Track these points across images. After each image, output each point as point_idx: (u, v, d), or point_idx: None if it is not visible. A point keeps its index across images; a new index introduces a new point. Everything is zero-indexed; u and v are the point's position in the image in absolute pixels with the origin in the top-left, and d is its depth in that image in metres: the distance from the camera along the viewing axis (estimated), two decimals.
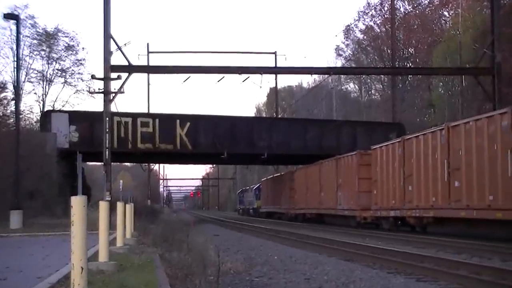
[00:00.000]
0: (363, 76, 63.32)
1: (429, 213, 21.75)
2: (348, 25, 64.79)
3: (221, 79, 31.73)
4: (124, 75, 28.77)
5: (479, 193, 18.30)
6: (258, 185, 64.29)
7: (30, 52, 47.06)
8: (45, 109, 45.61)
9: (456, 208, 19.58)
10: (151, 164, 64.81)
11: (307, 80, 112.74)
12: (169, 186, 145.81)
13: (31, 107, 69.23)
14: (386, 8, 58.07)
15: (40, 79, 48.43)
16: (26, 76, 46.53)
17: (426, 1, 55.01)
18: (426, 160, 21.85)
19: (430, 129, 22.96)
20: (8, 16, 30.74)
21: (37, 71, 48.12)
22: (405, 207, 23.61)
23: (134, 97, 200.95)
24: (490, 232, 19.30)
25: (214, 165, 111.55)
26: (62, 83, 49.68)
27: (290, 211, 43.62)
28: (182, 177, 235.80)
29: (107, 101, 28.02)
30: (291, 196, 43.18)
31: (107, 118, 28.11)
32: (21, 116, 33.21)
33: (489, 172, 17.76)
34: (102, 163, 29.20)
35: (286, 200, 45.13)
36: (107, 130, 28.10)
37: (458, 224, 20.86)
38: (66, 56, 49.21)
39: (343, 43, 65.53)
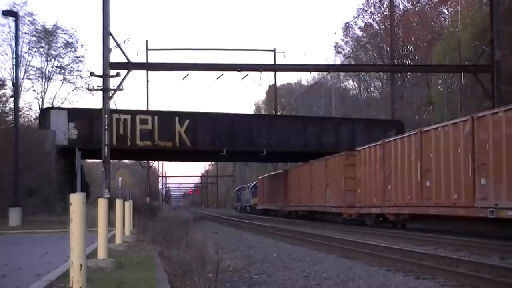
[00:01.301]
0: (362, 74, 63.30)
1: (405, 210, 23.74)
2: (347, 23, 64.94)
3: (220, 76, 31.69)
4: (123, 72, 28.72)
5: (446, 192, 20.22)
6: (255, 183, 65.25)
7: (29, 49, 47.01)
8: (44, 106, 45.58)
9: (427, 206, 21.54)
10: (150, 161, 64.77)
11: (306, 78, 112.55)
12: (168, 184, 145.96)
13: (30, 104, 68.89)
14: (385, 6, 58.08)
15: (39, 76, 48.40)
16: (25, 73, 46.49)
17: None
18: (402, 161, 23.75)
19: (406, 133, 24.82)
20: (7, 13, 30.67)
21: (36, 68, 48.09)
22: (385, 204, 25.41)
23: (133, 94, 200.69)
24: (455, 228, 21.31)
25: (213, 163, 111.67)
26: (61, 80, 49.65)
27: (284, 209, 45.10)
28: (181, 174, 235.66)
29: (106, 98, 27.98)
30: (285, 194, 44.74)
31: (106, 115, 28.06)
32: (20, 113, 33.19)
33: (454, 174, 19.66)
34: (101, 160, 29.18)
35: (280, 198, 46.53)
36: (106, 127, 28.06)
37: (430, 220, 22.90)
38: (65, 53, 49.18)
39: (342, 40, 65.48)
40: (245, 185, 77.54)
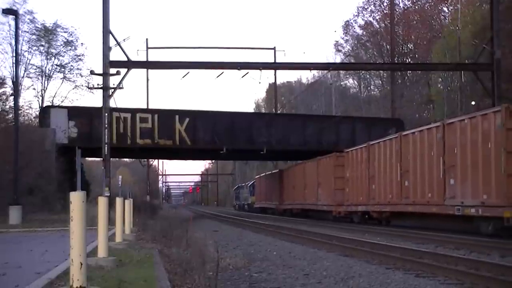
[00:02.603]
0: (362, 72, 63.28)
1: (387, 208, 25.55)
2: (347, 21, 64.82)
3: (220, 74, 31.68)
4: (123, 70, 28.69)
5: (421, 192, 22.08)
6: (253, 182, 66.54)
7: (29, 47, 46.95)
8: (44, 105, 45.55)
9: (405, 204, 23.44)
10: (150, 159, 64.81)
11: (306, 76, 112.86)
12: (168, 182, 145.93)
13: (30, 102, 68.75)
14: (385, 4, 58.08)
15: (39, 74, 48.34)
16: (25, 71, 46.43)
17: None
18: (385, 163, 25.60)
19: (388, 136, 26.51)
20: (7, 11, 30.57)
21: (36, 66, 48.03)
22: (369, 203, 27.34)
23: (133, 93, 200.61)
24: (430, 224, 22.68)
25: (213, 161, 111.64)
26: (61, 78, 49.59)
27: (280, 207, 47.10)
28: (181, 172, 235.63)
29: (106, 97, 27.96)
30: (280, 193, 46.80)
31: (106, 114, 28.04)
32: (20, 112, 33.14)
33: (428, 174, 21.50)
34: (101, 158, 29.18)
35: (276, 197, 48.53)
36: (106, 125, 28.04)
37: (410, 217, 24.26)
38: (65, 52, 49.11)
39: (342, 38, 65.54)
40: (243, 184, 78.87)
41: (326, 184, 33.56)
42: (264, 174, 59.84)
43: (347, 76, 70.12)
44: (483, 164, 17.96)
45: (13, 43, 38.48)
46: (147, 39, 71.20)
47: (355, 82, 70.73)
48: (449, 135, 20.08)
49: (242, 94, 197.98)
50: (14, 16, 29.74)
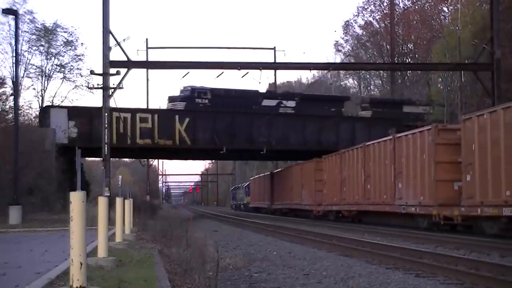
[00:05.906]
0: (362, 72, 63.29)
1: (354, 207, 29.49)
2: (347, 21, 64.83)
3: (220, 74, 31.80)
4: (123, 70, 28.69)
5: (379, 193, 26.03)
6: (248, 183, 68.81)
7: (29, 47, 46.72)
8: (44, 105, 45.45)
9: (367, 204, 27.46)
10: (150, 159, 64.79)
11: (306, 76, 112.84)
12: (168, 182, 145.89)
13: (30, 102, 68.45)
14: (385, 4, 58.12)
15: (39, 74, 48.14)
16: (25, 71, 46.21)
17: None
18: (353, 168, 29.51)
19: (355, 146, 30.21)
20: (6, 11, 30.53)
21: (36, 66, 47.80)
22: (341, 203, 31.16)
23: (133, 93, 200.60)
24: (389, 221, 25.99)
25: (213, 161, 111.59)
26: (61, 78, 49.30)
27: (271, 207, 50.68)
28: (181, 172, 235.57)
29: (106, 97, 27.96)
30: (271, 193, 50.53)
31: (106, 114, 28.03)
32: (20, 112, 33.08)
33: (384, 179, 25.45)
34: (101, 158, 29.17)
35: (268, 197, 51.95)
36: (106, 125, 28.03)
37: (372, 216, 27.70)
38: (65, 52, 48.87)
39: (342, 38, 65.52)
40: (240, 185, 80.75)
41: (308, 186, 37.08)
42: (258, 175, 62.28)
43: (347, 76, 70.13)
44: (420, 171, 21.91)
45: (13, 43, 38.33)
46: (147, 39, 71.15)
47: (355, 82, 70.72)
48: (398, 147, 24.05)
49: None
50: (14, 16, 29.70)
